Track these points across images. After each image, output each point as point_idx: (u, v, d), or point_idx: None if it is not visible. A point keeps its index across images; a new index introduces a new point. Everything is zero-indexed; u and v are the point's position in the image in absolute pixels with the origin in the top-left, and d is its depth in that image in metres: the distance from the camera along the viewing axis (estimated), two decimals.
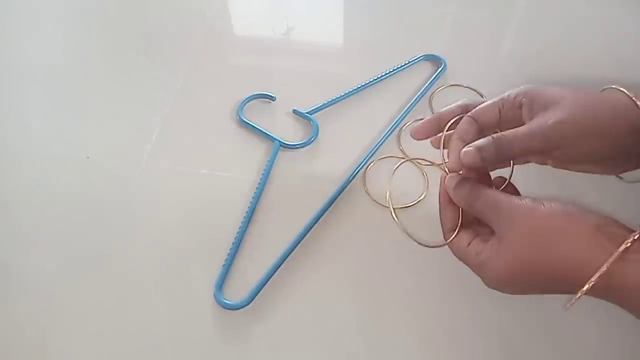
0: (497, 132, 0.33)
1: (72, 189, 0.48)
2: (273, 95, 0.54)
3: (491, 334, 0.38)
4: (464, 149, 0.33)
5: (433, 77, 0.55)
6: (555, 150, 0.32)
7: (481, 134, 0.35)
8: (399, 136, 0.50)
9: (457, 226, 0.34)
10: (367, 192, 0.46)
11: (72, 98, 0.57)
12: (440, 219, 0.36)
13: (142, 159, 0.50)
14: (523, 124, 0.33)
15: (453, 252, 0.34)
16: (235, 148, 0.51)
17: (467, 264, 0.33)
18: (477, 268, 0.32)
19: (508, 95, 0.35)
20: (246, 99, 0.54)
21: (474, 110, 0.35)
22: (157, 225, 0.45)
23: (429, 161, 0.46)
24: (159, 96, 0.55)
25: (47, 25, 0.66)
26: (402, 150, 0.49)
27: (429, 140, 0.38)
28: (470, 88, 0.53)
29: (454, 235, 0.34)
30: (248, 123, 0.52)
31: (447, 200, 0.35)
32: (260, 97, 0.54)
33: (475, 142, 0.33)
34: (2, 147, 0.52)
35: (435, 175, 0.47)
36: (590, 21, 0.63)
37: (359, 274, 0.42)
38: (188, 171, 0.49)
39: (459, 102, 0.37)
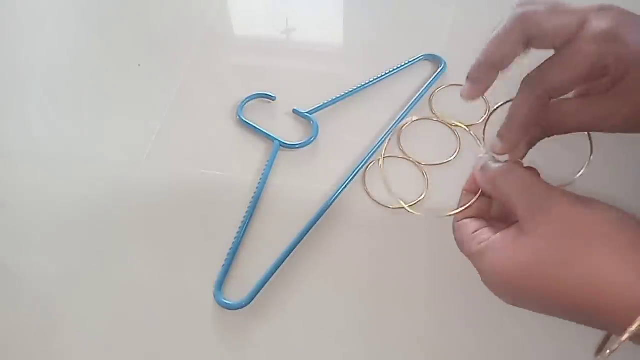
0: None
1: (72, 189, 0.48)
2: (273, 95, 0.54)
3: (492, 336, 0.38)
4: None
5: (433, 77, 0.55)
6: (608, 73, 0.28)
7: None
8: (399, 136, 0.50)
9: (466, 205, 0.31)
10: (367, 192, 0.46)
11: (72, 98, 0.57)
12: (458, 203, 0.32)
13: (142, 159, 0.50)
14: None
15: (455, 237, 0.31)
16: (235, 148, 0.51)
17: (467, 252, 0.29)
18: (477, 256, 0.28)
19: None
20: (246, 99, 0.54)
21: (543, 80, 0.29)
22: (156, 225, 0.45)
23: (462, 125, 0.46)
24: (159, 96, 0.55)
25: (47, 25, 0.66)
26: (402, 150, 0.49)
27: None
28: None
29: (458, 210, 0.30)
30: (248, 123, 0.52)
31: (468, 185, 0.31)
32: (260, 97, 0.54)
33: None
34: (2, 147, 0.52)
35: (435, 175, 0.47)
36: None
37: (358, 274, 0.42)
38: (188, 171, 0.49)
39: (513, 18, 0.29)
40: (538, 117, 0.30)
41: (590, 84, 0.30)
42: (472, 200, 0.31)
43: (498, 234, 0.27)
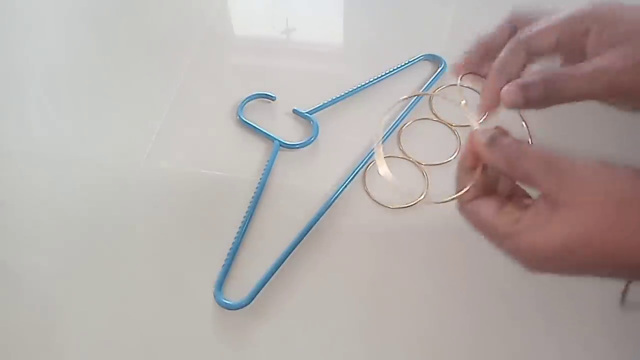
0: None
1: (71, 189, 0.48)
2: (273, 95, 0.54)
3: (492, 336, 0.38)
4: (505, 87, 0.28)
5: (433, 77, 0.55)
6: (622, 96, 0.27)
7: (531, 62, 0.29)
8: (399, 136, 0.50)
9: (471, 188, 0.28)
10: (367, 192, 0.46)
11: (72, 98, 0.57)
12: (457, 184, 0.30)
13: (142, 159, 0.50)
14: (584, 55, 0.27)
15: (469, 220, 0.29)
16: (235, 148, 0.51)
17: (491, 236, 0.27)
18: (509, 237, 0.26)
19: (571, 17, 0.28)
20: (246, 99, 0.54)
21: (524, 34, 0.29)
22: (157, 225, 0.45)
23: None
24: (159, 96, 0.55)
25: (47, 25, 0.66)
26: (402, 150, 0.49)
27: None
28: (470, 88, 0.53)
29: (463, 191, 0.28)
30: (248, 123, 0.52)
31: (466, 161, 0.29)
32: (260, 97, 0.54)
33: (519, 80, 0.28)
34: (2, 147, 0.52)
35: (435, 175, 0.47)
36: None
37: (358, 274, 0.42)
38: (188, 171, 0.49)
39: (507, 18, 0.31)
40: (519, 68, 0.30)
41: (573, 47, 0.29)
42: (477, 177, 0.29)
43: (528, 212, 0.26)
